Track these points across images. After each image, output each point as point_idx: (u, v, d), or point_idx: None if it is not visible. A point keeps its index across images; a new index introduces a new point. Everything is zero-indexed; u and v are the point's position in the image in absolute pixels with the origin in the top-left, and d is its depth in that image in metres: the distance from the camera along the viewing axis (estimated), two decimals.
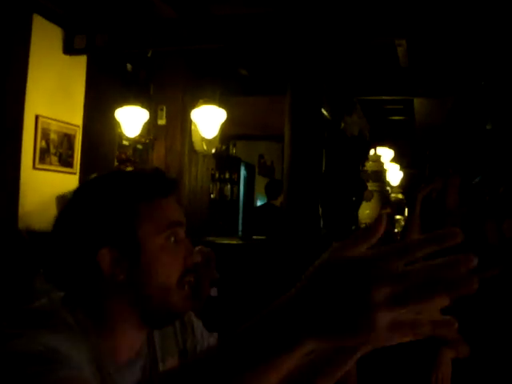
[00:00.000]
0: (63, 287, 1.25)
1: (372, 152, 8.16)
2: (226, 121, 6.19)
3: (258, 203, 11.65)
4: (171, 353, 1.40)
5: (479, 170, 5.72)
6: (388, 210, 7.08)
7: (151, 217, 1.22)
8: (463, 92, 7.27)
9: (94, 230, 1.21)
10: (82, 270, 1.22)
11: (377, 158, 7.89)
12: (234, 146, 9.59)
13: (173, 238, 1.24)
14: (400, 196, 9.20)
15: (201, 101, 5.92)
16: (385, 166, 8.20)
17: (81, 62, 5.54)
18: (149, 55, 5.63)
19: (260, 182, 11.54)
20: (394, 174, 10.01)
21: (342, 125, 7.38)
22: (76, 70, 5.51)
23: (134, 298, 1.22)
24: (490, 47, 6.07)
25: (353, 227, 6.74)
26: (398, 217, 7.61)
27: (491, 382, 3.06)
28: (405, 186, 10.33)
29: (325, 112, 6.83)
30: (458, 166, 7.01)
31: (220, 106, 5.95)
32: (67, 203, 1.27)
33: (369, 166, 7.65)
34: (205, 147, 6.55)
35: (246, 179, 11.07)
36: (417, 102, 8.02)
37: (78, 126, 5.49)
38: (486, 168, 6.08)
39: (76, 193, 1.28)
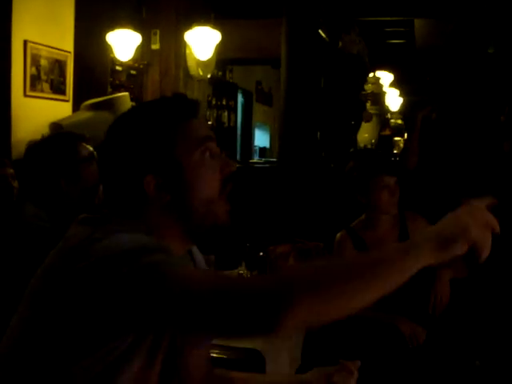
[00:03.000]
0: (113, 210, 1.34)
1: (371, 75, 8.00)
2: (221, 45, 6.04)
3: (256, 130, 11.57)
4: None
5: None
6: (387, 132, 7.02)
7: (186, 136, 1.32)
8: (465, 14, 7.10)
9: (136, 159, 1.30)
10: (130, 195, 1.32)
11: (376, 80, 7.73)
12: (231, 71, 9.40)
13: (208, 153, 1.34)
14: (399, 121, 9.10)
15: (195, 23, 5.75)
16: (384, 89, 8.06)
17: None
18: None
19: (258, 109, 11.42)
20: (394, 100, 9.85)
21: (340, 44, 7.19)
22: None
23: (180, 215, 1.32)
24: None
25: (351, 150, 6.71)
26: (396, 138, 7.56)
27: (490, 302, 3.06)
28: (404, 112, 10.19)
29: (322, 33, 6.65)
30: (458, 91, 6.91)
31: (214, 27, 5.79)
32: (108, 136, 1.36)
33: (367, 88, 7.51)
34: (200, 72, 6.40)
35: (244, 106, 10.93)
36: (417, 23, 7.81)
37: (70, 52, 5.34)
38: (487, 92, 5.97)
39: (115, 125, 1.37)
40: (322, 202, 5.10)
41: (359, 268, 1.07)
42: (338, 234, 3.26)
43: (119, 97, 5.07)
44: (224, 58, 7.17)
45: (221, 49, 6.16)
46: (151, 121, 1.33)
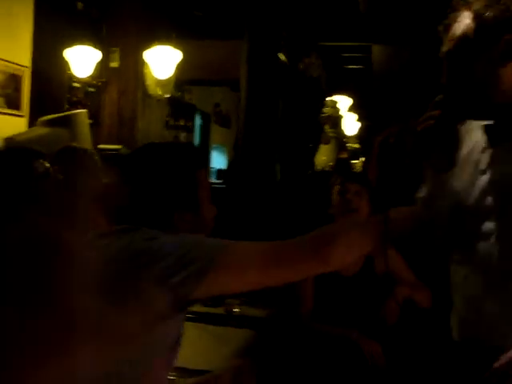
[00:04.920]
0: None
1: (329, 98, 8.07)
2: (180, 65, 6.02)
3: (213, 152, 11.54)
4: None
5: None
6: (345, 155, 7.09)
7: (203, 182, 1.71)
8: (421, 41, 7.23)
9: (169, 200, 1.64)
10: (159, 222, 1.62)
11: (333, 103, 7.80)
12: (190, 92, 9.37)
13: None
14: (356, 145, 9.19)
15: (155, 42, 5.72)
16: (342, 113, 8.13)
17: None
18: None
19: (215, 131, 11.40)
20: (351, 124, 9.95)
21: (301, 66, 7.23)
22: (23, 8, 5.23)
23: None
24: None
25: (309, 172, 6.72)
26: (353, 161, 7.63)
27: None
28: (361, 136, 10.29)
29: (282, 56, 6.68)
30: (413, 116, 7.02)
31: (176, 47, 5.77)
32: (137, 176, 1.68)
33: (326, 111, 7.57)
34: (159, 91, 6.36)
35: (202, 127, 10.90)
36: (375, 49, 7.92)
37: (27, 67, 5.25)
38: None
39: (141, 167, 1.69)
40: (277, 225, 5.07)
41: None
42: None
43: (76, 114, 4.97)
44: (183, 78, 7.14)
45: (180, 69, 6.13)
46: (180, 169, 1.67)
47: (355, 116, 10.01)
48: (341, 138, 7.74)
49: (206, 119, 10.96)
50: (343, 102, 8.81)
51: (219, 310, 3.58)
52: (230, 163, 8.42)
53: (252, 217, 5.21)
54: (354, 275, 3.14)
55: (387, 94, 8.97)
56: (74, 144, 3.08)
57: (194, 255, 1.42)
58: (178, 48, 5.84)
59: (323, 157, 7.20)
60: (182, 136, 9.19)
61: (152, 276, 1.40)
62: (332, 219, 3.20)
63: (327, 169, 7.15)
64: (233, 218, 5.18)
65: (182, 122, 9.18)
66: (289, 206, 5.24)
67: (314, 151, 7.28)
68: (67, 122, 4.81)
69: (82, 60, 5.42)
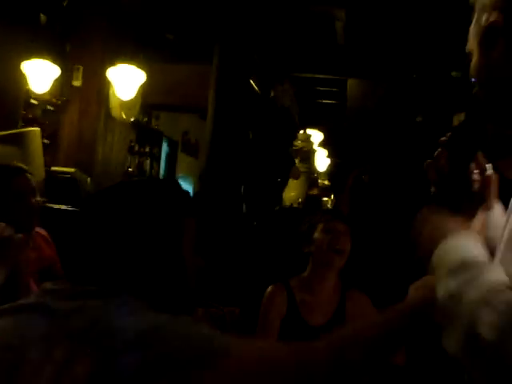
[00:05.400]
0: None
1: (302, 132, 7.84)
2: (147, 88, 5.77)
3: (180, 182, 11.21)
4: None
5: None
6: (315, 192, 6.85)
7: (190, 231, 1.40)
8: (396, 80, 7.14)
9: (146, 247, 1.30)
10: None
11: (306, 137, 7.57)
12: (157, 118, 9.06)
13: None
14: (326, 182, 8.96)
15: (119, 59, 5.43)
16: (314, 147, 7.91)
17: None
18: (64, 4, 5.08)
19: (183, 160, 11.09)
20: (322, 160, 9.74)
21: (272, 93, 6.97)
22: None
23: None
24: (425, 40, 5.95)
25: (276, 207, 6.45)
26: (324, 199, 7.41)
27: None
28: (331, 173, 10.09)
29: (253, 83, 6.42)
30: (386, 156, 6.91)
31: (139, 66, 5.48)
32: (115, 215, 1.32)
33: (297, 144, 7.33)
34: (123, 114, 6.05)
35: (168, 155, 10.58)
36: (350, 84, 7.75)
37: None
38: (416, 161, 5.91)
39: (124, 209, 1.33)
40: (241, 262, 4.78)
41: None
42: (271, 288, 2.91)
43: (28, 132, 4.64)
44: (150, 102, 6.85)
45: (147, 92, 5.88)
46: (165, 214, 1.35)
47: (325, 152, 9.80)
48: (312, 173, 7.49)
49: (173, 147, 10.64)
50: (315, 137, 8.59)
51: None
52: (195, 194, 8.12)
53: (217, 250, 4.91)
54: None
55: (360, 131, 8.82)
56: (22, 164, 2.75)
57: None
58: (145, 70, 5.58)
59: (292, 192, 6.94)
60: (147, 163, 8.86)
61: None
62: (306, 257, 2.94)
63: (295, 205, 6.89)
64: (199, 252, 4.86)
65: (147, 149, 8.85)
66: (254, 241, 4.97)
67: (282, 186, 7.03)
68: (18, 140, 4.49)
69: (40, 75, 5.11)
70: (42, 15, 5.54)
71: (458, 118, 6.25)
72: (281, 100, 7.21)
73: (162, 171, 10.04)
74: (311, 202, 7.16)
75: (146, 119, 8.27)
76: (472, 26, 1.24)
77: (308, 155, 7.33)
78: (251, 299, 3.05)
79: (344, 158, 9.90)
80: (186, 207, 1.39)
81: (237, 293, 3.89)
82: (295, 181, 6.92)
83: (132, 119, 6.38)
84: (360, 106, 8.72)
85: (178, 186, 1.46)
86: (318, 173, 9.08)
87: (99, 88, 5.89)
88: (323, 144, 9.51)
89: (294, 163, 6.81)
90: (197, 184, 10.40)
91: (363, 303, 2.91)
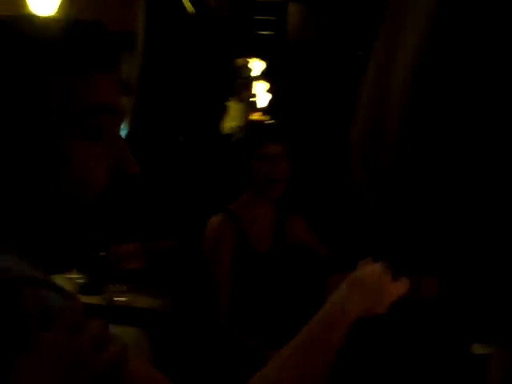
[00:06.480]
0: None
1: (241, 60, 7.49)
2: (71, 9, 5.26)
3: None
4: None
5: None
6: (256, 116, 6.56)
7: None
8: (339, 9, 6.91)
9: None
10: None
11: (245, 62, 7.22)
12: None
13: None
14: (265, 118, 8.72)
15: None
16: (253, 74, 7.60)
17: None
18: None
19: None
20: (263, 95, 9.42)
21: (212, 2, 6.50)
22: None
23: None
24: None
25: (214, 134, 6.13)
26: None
27: None
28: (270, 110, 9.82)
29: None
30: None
31: None
32: None
33: (238, 62, 6.96)
34: None
35: None
36: (291, 12, 7.44)
37: None
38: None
39: None
40: (179, 193, 4.53)
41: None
42: (216, 219, 2.80)
43: None
44: None
45: (70, 12, 5.36)
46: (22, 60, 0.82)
47: (266, 85, 9.48)
48: (252, 103, 7.17)
49: None
50: (256, 66, 8.25)
51: (97, 300, 2.82)
52: (129, 132, 7.67)
53: (153, 182, 4.66)
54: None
55: (301, 63, 8.59)
56: None
57: None
58: None
59: (233, 122, 6.61)
60: None
61: None
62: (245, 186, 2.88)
63: (236, 131, 6.57)
64: (133, 185, 4.52)
65: None
66: (193, 171, 4.73)
67: (222, 111, 6.65)
68: None
69: None
70: None
71: None
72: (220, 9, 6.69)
73: None
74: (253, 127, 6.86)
75: None
76: None
77: (248, 83, 6.99)
78: (191, 231, 2.83)
79: (284, 92, 9.66)
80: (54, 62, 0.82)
81: (175, 225, 3.65)
82: (236, 106, 6.57)
83: None
84: (301, 37, 8.46)
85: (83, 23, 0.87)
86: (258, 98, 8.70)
87: (13, 8, 5.38)
88: (263, 75, 9.21)
89: (237, 77, 6.42)
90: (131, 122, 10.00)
91: (301, 226, 3.00)
